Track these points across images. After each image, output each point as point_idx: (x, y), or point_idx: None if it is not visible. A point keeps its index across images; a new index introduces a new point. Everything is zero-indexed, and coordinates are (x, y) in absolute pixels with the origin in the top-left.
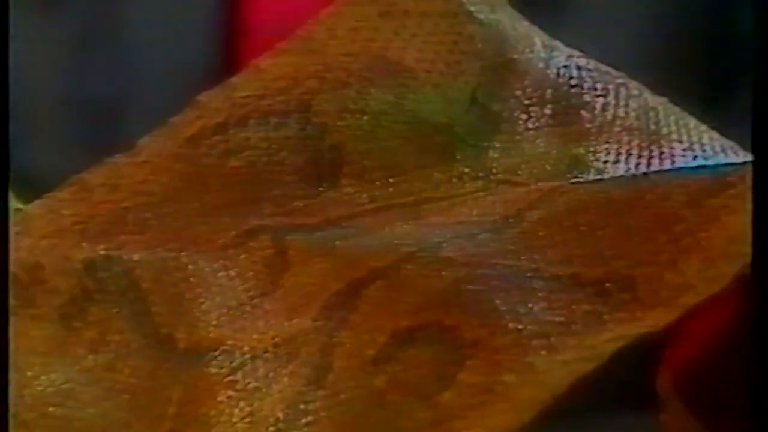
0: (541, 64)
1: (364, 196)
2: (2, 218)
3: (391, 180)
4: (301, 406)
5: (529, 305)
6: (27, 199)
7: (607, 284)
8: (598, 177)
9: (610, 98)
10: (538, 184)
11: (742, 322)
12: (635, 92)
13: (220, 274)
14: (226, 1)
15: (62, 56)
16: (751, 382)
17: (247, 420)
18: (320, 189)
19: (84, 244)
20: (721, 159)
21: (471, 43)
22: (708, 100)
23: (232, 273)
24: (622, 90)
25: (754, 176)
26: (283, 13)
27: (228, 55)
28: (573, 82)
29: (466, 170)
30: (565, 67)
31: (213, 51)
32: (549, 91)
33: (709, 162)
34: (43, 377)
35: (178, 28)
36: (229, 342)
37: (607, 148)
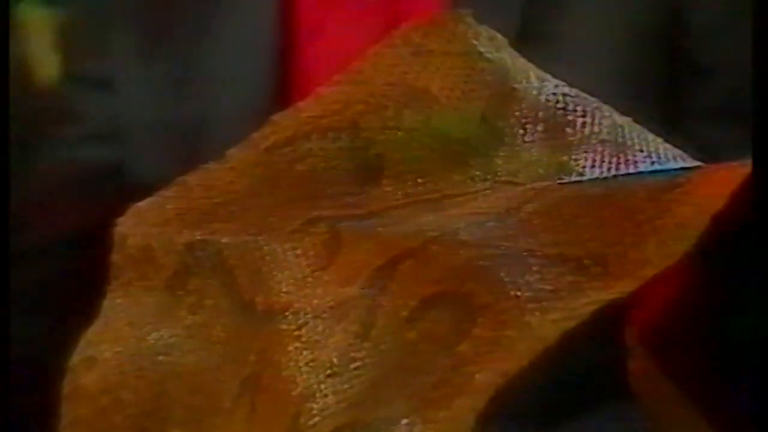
0: (534, 92)
1: (399, 193)
2: (3, 217)
3: (419, 180)
4: (351, 354)
5: (526, 277)
6: (141, 198)
7: (585, 261)
8: (579, 179)
9: (588, 118)
10: (533, 184)
11: (691, 288)
12: (607, 113)
13: (288, 253)
14: (289, 46)
15: (162, 90)
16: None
17: (309, 365)
18: (365, 188)
19: (185, 230)
20: (673, 164)
21: (481, 75)
22: (663, 120)
23: (298, 252)
24: (597, 112)
25: (754, 176)
26: (334, 54)
27: (290, 88)
28: (559, 105)
29: (477, 173)
30: (553, 94)
31: (279, 86)
32: (541, 112)
33: (663, 167)
34: (154, 333)
35: (253, 66)
36: (296, 305)
37: (585, 157)
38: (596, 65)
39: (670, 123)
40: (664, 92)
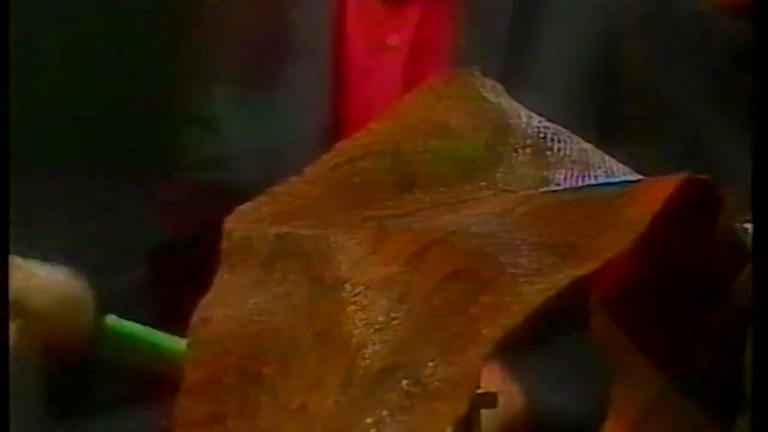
0: (523, 126)
1: (427, 199)
2: (3, 219)
3: (441, 190)
4: (392, 315)
5: (518, 259)
6: (241, 203)
7: (562, 248)
8: (556, 189)
9: (562, 144)
10: (523, 192)
11: (635, 266)
12: (575, 141)
13: (348, 242)
14: (343, 92)
15: (253, 126)
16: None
17: (362, 322)
18: (403, 195)
19: (274, 226)
20: (622, 178)
21: (485, 114)
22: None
23: (354, 241)
24: (568, 139)
25: (754, 178)
26: (376, 98)
27: (345, 123)
28: (541, 135)
29: (483, 184)
30: (537, 127)
31: (337, 122)
32: (528, 140)
33: (616, 180)
34: (251, 300)
35: (318, 107)
36: (353, 279)
37: (560, 173)
38: (561, 102)
39: (612, 144)
40: (607, 120)
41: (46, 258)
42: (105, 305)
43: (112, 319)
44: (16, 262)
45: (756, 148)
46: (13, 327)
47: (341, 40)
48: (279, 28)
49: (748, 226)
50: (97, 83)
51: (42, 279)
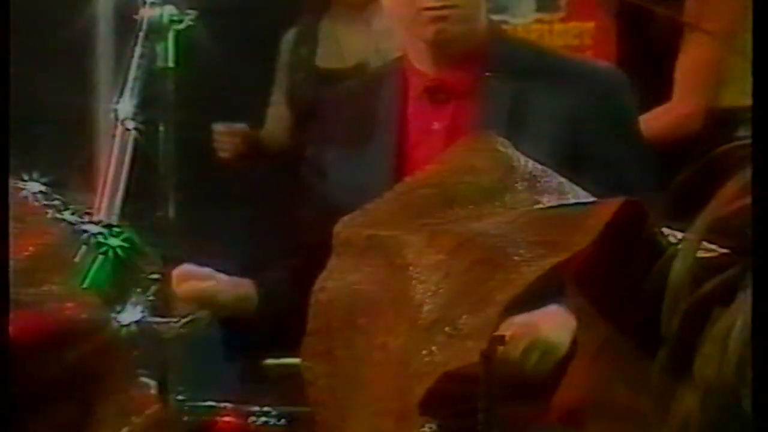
0: (522, 167)
1: (461, 213)
2: (2, 218)
3: (470, 207)
4: (440, 286)
5: (520, 251)
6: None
7: (548, 244)
8: (543, 207)
9: (547, 179)
10: (522, 209)
11: (594, 256)
12: (555, 176)
13: (411, 240)
14: (405, 153)
15: (350, 173)
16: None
17: (421, 291)
18: (446, 211)
19: (365, 229)
20: (584, 200)
21: (499, 159)
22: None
23: (416, 239)
24: (552, 176)
25: (754, 181)
26: (428, 156)
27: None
28: (534, 174)
29: (497, 204)
30: (531, 168)
31: (401, 173)
32: (525, 176)
33: (580, 201)
34: (350, 277)
35: (390, 161)
36: (415, 263)
37: (546, 197)
38: (544, 153)
39: (576, 180)
40: (572, 165)
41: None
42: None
43: None
44: (187, 267)
45: (756, 149)
46: (203, 314)
47: (404, 124)
48: (368, 115)
49: (666, 230)
50: None
51: (220, 281)
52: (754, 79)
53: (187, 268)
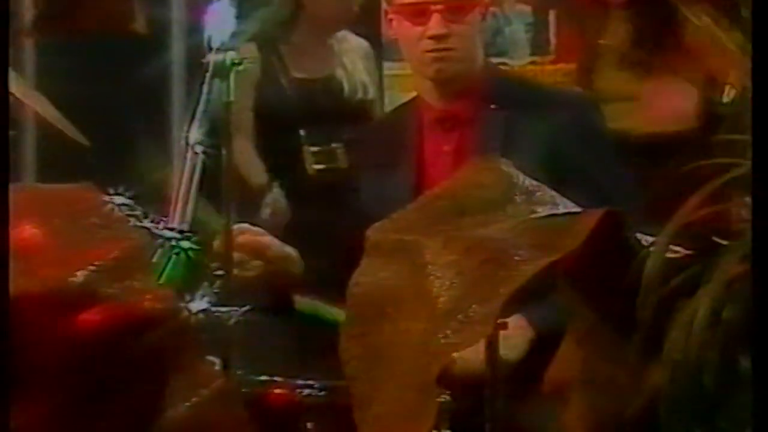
0: (521, 183)
1: (472, 222)
2: (2, 218)
3: (479, 217)
4: (454, 280)
5: (520, 252)
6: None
7: (542, 246)
8: (538, 215)
9: (541, 192)
10: (521, 218)
11: (581, 255)
12: (548, 191)
13: (430, 243)
14: (423, 173)
15: (376, 193)
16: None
17: (438, 286)
18: (458, 220)
19: (392, 234)
20: (572, 210)
21: (502, 176)
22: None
23: (435, 243)
24: (545, 189)
25: (754, 178)
26: (440, 179)
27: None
28: (530, 188)
29: (501, 213)
30: (529, 183)
31: (421, 190)
32: (523, 191)
33: (570, 211)
34: (380, 273)
35: (411, 181)
36: (433, 262)
37: (541, 207)
38: (537, 167)
39: (564, 193)
40: (558, 177)
41: None
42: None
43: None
44: (246, 225)
45: (756, 149)
46: (255, 263)
47: (421, 149)
48: (393, 143)
49: (640, 235)
50: None
51: (272, 239)
52: (754, 80)
53: (246, 225)
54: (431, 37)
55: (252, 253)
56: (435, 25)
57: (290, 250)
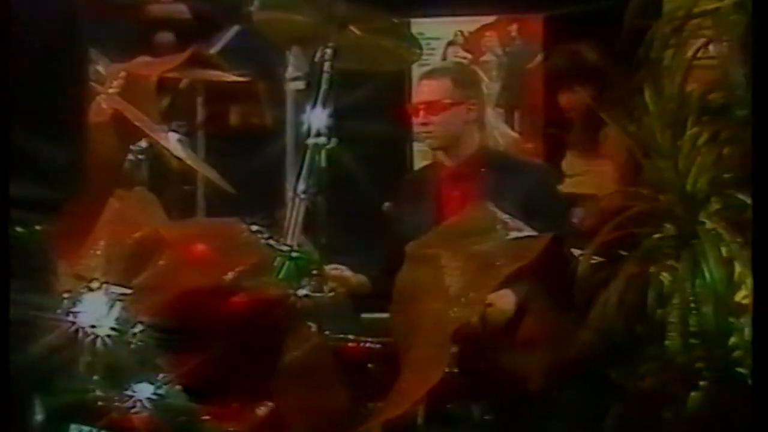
0: (501, 217)
1: (471, 241)
2: (2, 218)
3: (475, 238)
4: (459, 275)
5: (500, 260)
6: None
7: (515, 256)
8: (511, 238)
9: (513, 223)
10: (501, 240)
11: (536, 262)
12: (517, 222)
13: (445, 254)
14: (438, 214)
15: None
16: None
17: (449, 281)
18: (462, 241)
19: (421, 249)
20: (533, 234)
21: (490, 215)
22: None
23: (448, 254)
24: (516, 221)
25: (754, 177)
26: (450, 216)
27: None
28: (507, 221)
29: (489, 237)
30: (506, 219)
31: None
32: (502, 222)
33: (531, 235)
34: (411, 274)
35: (430, 217)
36: (447, 265)
37: (513, 233)
38: (514, 208)
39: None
40: (525, 215)
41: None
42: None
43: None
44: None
45: (756, 150)
46: (341, 289)
47: (439, 193)
48: (421, 189)
49: (574, 250)
50: None
51: (352, 274)
52: (754, 81)
53: (336, 265)
54: (420, 124)
55: (339, 282)
56: (420, 118)
57: (363, 279)
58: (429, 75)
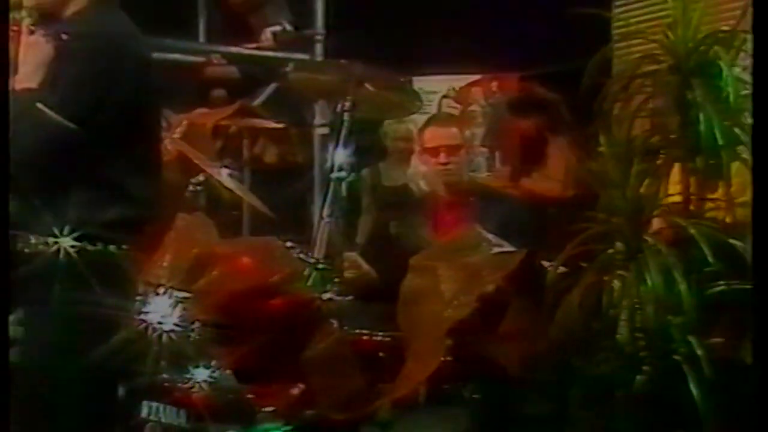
0: (487, 236)
1: (463, 254)
2: (2, 218)
3: (466, 253)
4: (453, 283)
5: (486, 270)
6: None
7: (497, 268)
8: (494, 252)
9: (497, 241)
10: (486, 254)
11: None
12: (499, 240)
13: (442, 266)
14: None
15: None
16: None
17: (444, 287)
18: (457, 254)
19: (422, 261)
20: (512, 250)
21: (478, 236)
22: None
23: (444, 265)
24: (498, 239)
25: (754, 177)
26: (446, 231)
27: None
28: (491, 239)
29: (477, 251)
30: (490, 238)
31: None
32: (488, 240)
33: (510, 250)
34: (413, 282)
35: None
36: (444, 274)
37: (495, 249)
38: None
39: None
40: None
41: None
42: None
43: None
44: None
45: (756, 150)
46: (354, 272)
47: (437, 218)
48: (422, 214)
49: (545, 262)
50: None
51: (362, 262)
52: (755, 83)
53: (351, 253)
54: (441, 163)
55: (353, 267)
56: (443, 158)
57: (372, 271)
58: (438, 122)
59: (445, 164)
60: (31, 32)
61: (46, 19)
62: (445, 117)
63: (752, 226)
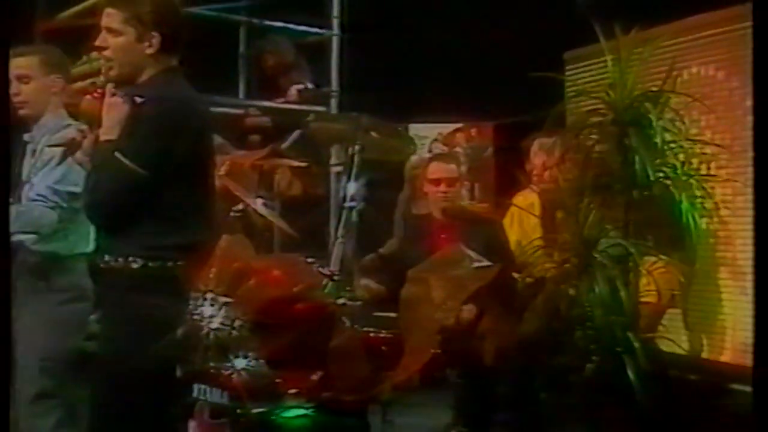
0: (469, 253)
1: (451, 268)
2: (2, 218)
3: (454, 266)
4: (444, 290)
5: (469, 281)
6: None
7: (477, 278)
8: (476, 267)
9: (477, 258)
10: (468, 269)
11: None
12: (480, 257)
13: (432, 276)
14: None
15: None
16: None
17: (435, 294)
18: (447, 268)
19: (417, 273)
20: (489, 264)
21: (462, 252)
22: None
23: (435, 277)
24: (479, 256)
25: (755, 177)
26: (438, 248)
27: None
28: (472, 256)
29: (461, 266)
30: (472, 254)
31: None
32: (470, 257)
33: (487, 265)
34: (409, 290)
35: (425, 252)
36: (436, 284)
37: (476, 264)
38: (481, 249)
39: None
40: (486, 253)
41: None
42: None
43: None
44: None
45: (756, 150)
46: (364, 294)
47: (432, 236)
48: (421, 232)
49: (515, 274)
50: None
51: (374, 283)
52: (755, 83)
53: (366, 279)
54: (442, 192)
55: (366, 290)
56: (443, 187)
57: (381, 287)
58: (438, 159)
59: (444, 193)
60: (113, 95)
61: (124, 84)
62: (446, 155)
63: (752, 225)
